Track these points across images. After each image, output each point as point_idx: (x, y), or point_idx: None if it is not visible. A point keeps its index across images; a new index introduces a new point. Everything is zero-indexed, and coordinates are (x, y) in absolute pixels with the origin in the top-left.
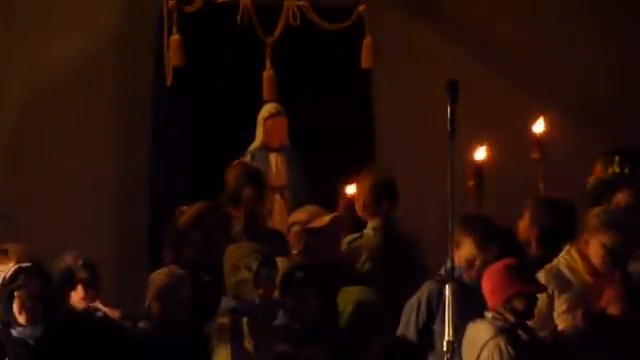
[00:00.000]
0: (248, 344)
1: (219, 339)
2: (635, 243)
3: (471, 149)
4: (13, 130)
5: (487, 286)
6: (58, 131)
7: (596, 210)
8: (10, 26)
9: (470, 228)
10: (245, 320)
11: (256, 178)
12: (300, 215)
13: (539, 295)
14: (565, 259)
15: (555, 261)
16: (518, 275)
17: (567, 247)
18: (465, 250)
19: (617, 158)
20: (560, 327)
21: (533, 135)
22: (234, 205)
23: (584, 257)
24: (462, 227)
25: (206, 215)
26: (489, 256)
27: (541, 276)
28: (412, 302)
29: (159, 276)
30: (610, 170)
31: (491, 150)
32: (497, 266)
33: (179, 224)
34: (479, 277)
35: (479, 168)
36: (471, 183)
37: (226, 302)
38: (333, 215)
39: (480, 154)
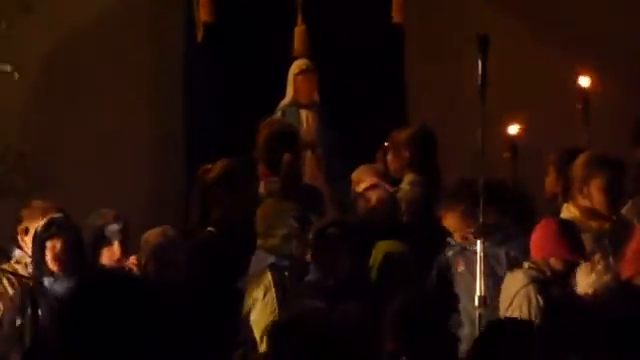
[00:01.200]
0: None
1: (262, 294)
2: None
3: (506, 115)
4: (45, 88)
5: (537, 236)
6: (90, 88)
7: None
8: None
9: (456, 201)
10: (286, 275)
11: (293, 140)
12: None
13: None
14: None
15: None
16: (569, 241)
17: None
18: (450, 222)
19: None
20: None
21: (578, 87)
22: (269, 165)
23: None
24: (448, 208)
25: (233, 172)
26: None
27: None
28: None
29: (153, 236)
30: None
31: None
32: (554, 223)
33: (206, 182)
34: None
35: (513, 140)
36: (507, 154)
37: (263, 258)
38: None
39: (513, 129)
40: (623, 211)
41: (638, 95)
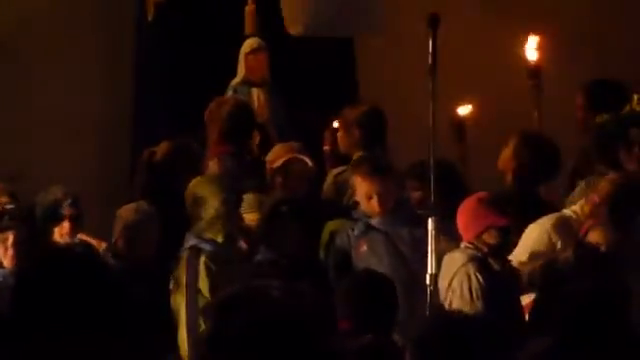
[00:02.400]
0: (202, 284)
1: (177, 276)
2: None
3: (456, 94)
4: None
5: (460, 221)
6: (41, 67)
7: (612, 177)
8: None
9: (356, 167)
10: (203, 259)
11: (252, 116)
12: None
13: (542, 239)
14: (576, 214)
15: (567, 211)
16: (489, 208)
17: (581, 202)
18: (359, 190)
19: (637, 96)
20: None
21: (527, 61)
22: (229, 142)
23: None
24: (351, 168)
25: (179, 153)
26: (386, 189)
27: (549, 225)
28: None
29: (126, 212)
30: (628, 107)
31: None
32: (469, 201)
33: (152, 163)
34: (383, 211)
35: (461, 123)
36: (456, 134)
37: (188, 239)
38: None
39: (463, 110)
40: (575, 192)
41: (587, 64)
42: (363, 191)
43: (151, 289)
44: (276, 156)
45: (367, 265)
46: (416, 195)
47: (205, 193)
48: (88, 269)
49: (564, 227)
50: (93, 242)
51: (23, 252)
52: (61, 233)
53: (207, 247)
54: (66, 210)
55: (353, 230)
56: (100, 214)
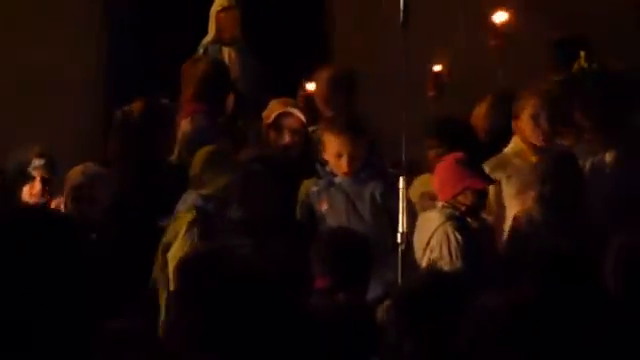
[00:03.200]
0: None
1: (184, 230)
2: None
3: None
4: None
5: (437, 179)
6: (19, 25)
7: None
8: None
9: (330, 124)
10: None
11: (228, 75)
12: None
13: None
14: (511, 147)
15: (504, 150)
16: (467, 170)
17: (513, 138)
18: (329, 147)
19: (583, 53)
20: (510, 212)
21: (492, 23)
22: (205, 101)
23: (526, 141)
24: (323, 125)
25: (154, 111)
26: (357, 149)
27: (489, 166)
28: None
29: (74, 174)
30: (576, 66)
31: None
32: (447, 160)
33: (127, 121)
34: (351, 171)
35: (438, 77)
36: (431, 93)
37: (193, 198)
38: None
39: (436, 67)
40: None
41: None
42: (334, 149)
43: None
44: (270, 111)
45: (327, 222)
46: (433, 153)
47: (214, 162)
48: (57, 230)
49: None
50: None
51: None
52: (31, 193)
53: (212, 206)
54: (38, 171)
55: (316, 187)
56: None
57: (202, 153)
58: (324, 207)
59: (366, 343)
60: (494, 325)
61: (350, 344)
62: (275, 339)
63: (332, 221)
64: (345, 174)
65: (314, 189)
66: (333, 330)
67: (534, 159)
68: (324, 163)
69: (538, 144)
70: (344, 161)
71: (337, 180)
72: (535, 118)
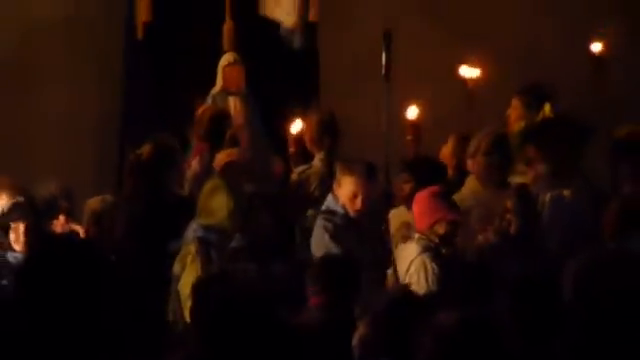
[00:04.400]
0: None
1: (190, 260)
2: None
3: (407, 99)
4: (16, 71)
5: (415, 210)
6: (42, 74)
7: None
8: None
9: (350, 168)
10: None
11: (229, 121)
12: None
13: None
14: (467, 186)
15: (462, 190)
16: (442, 203)
17: (469, 176)
18: (346, 188)
19: (548, 106)
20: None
21: (462, 78)
22: (209, 141)
23: (479, 178)
24: (343, 168)
25: (163, 152)
26: (371, 191)
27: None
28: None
29: (94, 203)
30: (541, 115)
31: (425, 104)
32: (424, 193)
33: (139, 161)
34: (363, 210)
35: (415, 124)
36: (409, 137)
37: (195, 231)
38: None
39: (412, 112)
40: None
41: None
42: (350, 189)
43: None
44: (218, 161)
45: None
46: (407, 187)
47: (217, 194)
48: (85, 256)
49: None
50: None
51: (32, 240)
52: (58, 224)
53: (213, 237)
54: (61, 204)
55: (331, 221)
56: None
57: (208, 185)
58: (344, 235)
59: (347, 353)
60: (446, 340)
61: (333, 354)
62: (263, 348)
63: (352, 248)
64: (357, 211)
65: (330, 224)
66: (318, 341)
67: (487, 195)
68: (321, 197)
69: (490, 182)
70: (359, 201)
71: (353, 215)
72: (489, 157)
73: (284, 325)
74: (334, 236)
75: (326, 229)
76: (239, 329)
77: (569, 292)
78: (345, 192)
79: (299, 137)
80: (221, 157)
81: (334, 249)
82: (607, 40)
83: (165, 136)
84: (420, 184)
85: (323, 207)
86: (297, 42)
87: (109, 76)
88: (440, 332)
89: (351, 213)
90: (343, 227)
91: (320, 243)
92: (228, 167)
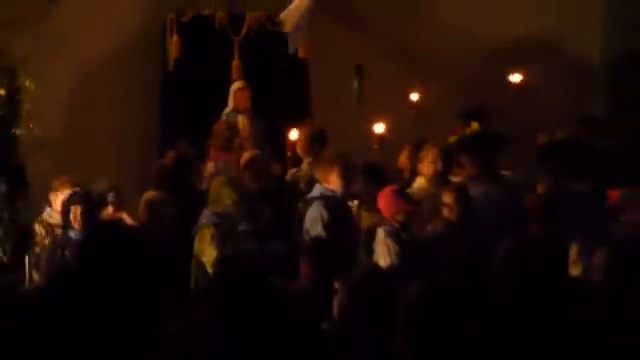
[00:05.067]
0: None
1: (210, 243)
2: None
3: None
4: (67, 103)
5: (380, 204)
6: (98, 98)
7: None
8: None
9: (334, 164)
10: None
11: (237, 133)
12: None
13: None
14: (416, 184)
15: (413, 187)
16: (399, 197)
17: (418, 176)
18: (333, 176)
19: (476, 124)
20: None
21: (411, 102)
22: (222, 149)
23: (426, 179)
24: (325, 165)
25: (181, 160)
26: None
27: None
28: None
29: (148, 195)
30: (470, 129)
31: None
32: (387, 190)
33: (163, 166)
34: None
35: (381, 137)
36: (376, 147)
37: (207, 215)
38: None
39: (379, 128)
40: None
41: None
42: (335, 177)
43: (171, 252)
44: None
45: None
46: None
47: (223, 187)
48: (126, 235)
49: None
50: (129, 219)
51: (86, 220)
52: (107, 213)
53: (222, 221)
54: (110, 198)
55: (326, 206)
56: (136, 200)
57: (216, 181)
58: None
59: (325, 313)
60: (411, 308)
61: (315, 313)
62: (264, 310)
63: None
64: (342, 191)
65: (326, 210)
66: (305, 303)
67: (434, 192)
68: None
69: (435, 182)
70: (342, 183)
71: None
72: (434, 163)
73: (280, 291)
74: (327, 222)
75: (321, 214)
76: (248, 297)
77: (499, 269)
78: (333, 179)
79: (294, 145)
80: (246, 155)
81: (323, 233)
82: (525, 72)
83: (184, 145)
84: (370, 185)
85: (315, 194)
86: (291, 48)
87: (149, 100)
88: (411, 300)
89: (339, 193)
90: (334, 207)
91: (314, 224)
92: (252, 161)
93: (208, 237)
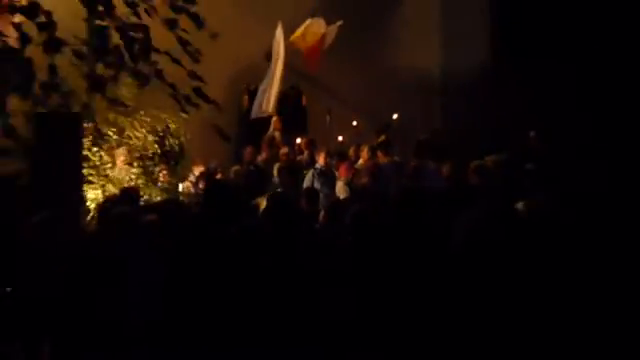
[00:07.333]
0: None
1: (265, 201)
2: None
3: (337, 133)
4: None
5: (340, 171)
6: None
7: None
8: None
9: (321, 152)
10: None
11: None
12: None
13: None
14: (360, 163)
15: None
16: (350, 167)
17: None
18: (321, 161)
19: (384, 135)
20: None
21: (355, 127)
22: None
23: (364, 160)
24: (319, 152)
25: (253, 173)
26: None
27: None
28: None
29: (235, 170)
30: (380, 139)
31: (345, 135)
32: (344, 164)
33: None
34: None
35: (341, 143)
36: (339, 145)
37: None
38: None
39: (340, 138)
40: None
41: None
42: (321, 156)
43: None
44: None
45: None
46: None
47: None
48: (224, 186)
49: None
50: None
51: (205, 181)
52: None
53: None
54: (218, 170)
55: (319, 174)
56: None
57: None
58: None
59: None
60: (360, 218)
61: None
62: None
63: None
64: (325, 164)
65: (318, 175)
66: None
67: (366, 165)
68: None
69: (367, 161)
70: (325, 159)
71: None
72: (366, 153)
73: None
74: (316, 178)
75: (313, 175)
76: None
77: (458, 239)
78: (321, 160)
79: (298, 149)
80: (283, 151)
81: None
82: None
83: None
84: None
85: (316, 167)
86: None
87: (232, 124)
88: (356, 213)
89: (323, 167)
90: (319, 173)
91: (308, 182)
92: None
93: (264, 200)
